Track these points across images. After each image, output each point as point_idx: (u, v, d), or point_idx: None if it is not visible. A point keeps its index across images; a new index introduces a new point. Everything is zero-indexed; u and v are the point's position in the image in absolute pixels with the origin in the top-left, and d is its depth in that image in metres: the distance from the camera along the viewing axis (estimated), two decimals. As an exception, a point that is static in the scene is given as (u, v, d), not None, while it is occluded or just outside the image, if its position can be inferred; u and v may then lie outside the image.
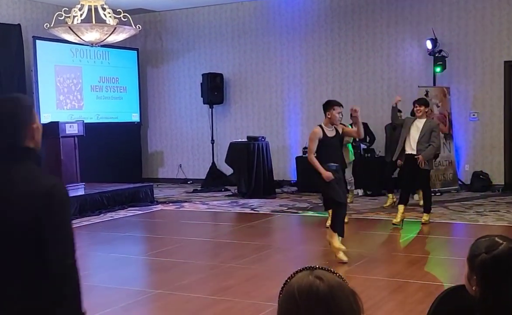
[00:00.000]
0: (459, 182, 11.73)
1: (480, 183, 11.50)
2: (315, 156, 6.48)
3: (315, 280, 1.41)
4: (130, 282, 6.32)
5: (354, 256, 6.88)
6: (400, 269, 6.32)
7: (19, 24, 12.22)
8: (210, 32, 13.96)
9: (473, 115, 11.74)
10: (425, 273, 6.37)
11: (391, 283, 5.85)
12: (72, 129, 10.26)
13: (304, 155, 11.03)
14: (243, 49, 13.66)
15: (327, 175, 6.42)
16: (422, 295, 5.36)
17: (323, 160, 6.46)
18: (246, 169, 11.74)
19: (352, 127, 7.68)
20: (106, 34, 9.03)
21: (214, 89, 13.42)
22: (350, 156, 9.99)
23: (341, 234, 6.61)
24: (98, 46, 9.64)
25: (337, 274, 1.45)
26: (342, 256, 6.49)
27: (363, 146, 11.69)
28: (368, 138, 11.65)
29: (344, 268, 6.29)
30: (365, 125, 11.68)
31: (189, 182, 13.82)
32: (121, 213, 10.30)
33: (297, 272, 1.46)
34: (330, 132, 6.53)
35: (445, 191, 11.44)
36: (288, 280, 1.45)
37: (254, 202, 11.05)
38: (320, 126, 6.52)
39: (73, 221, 9.90)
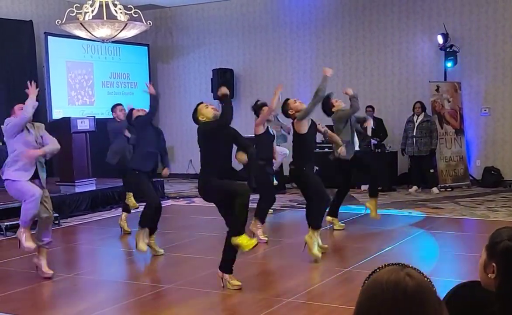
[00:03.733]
0: (470, 178, 11.68)
1: (492, 178, 11.44)
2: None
3: (406, 277, 1.38)
4: (140, 277, 6.37)
5: (362, 252, 6.88)
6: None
7: (31, 21, 12.30)
8: (220, 27, 13.98)
9: (485, 110, 11.68)
10: (435, 269, 6.36)
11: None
12: (84, 125, 10.32)
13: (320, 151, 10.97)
14: (253, 44, 13.66)
15: None
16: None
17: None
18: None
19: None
20: (117, 30, 9.06)
21: (224, 84, 13.41)
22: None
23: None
24: (109, 42, 9.68)
25: (428, 279, 1.42)
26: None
27: (373, 141, 11.66)
28: (380, 134, 11.62)
29: (352, 262, 6.29)
30: (380, 121, 11.67)
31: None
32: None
33: (385, 265, 1.44)
34: None
35: (456, 186, 11.39)
36: (377, 270, 1.43)
37: (264, 197, 11.03)
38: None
39: (84, 216, 9.87)
